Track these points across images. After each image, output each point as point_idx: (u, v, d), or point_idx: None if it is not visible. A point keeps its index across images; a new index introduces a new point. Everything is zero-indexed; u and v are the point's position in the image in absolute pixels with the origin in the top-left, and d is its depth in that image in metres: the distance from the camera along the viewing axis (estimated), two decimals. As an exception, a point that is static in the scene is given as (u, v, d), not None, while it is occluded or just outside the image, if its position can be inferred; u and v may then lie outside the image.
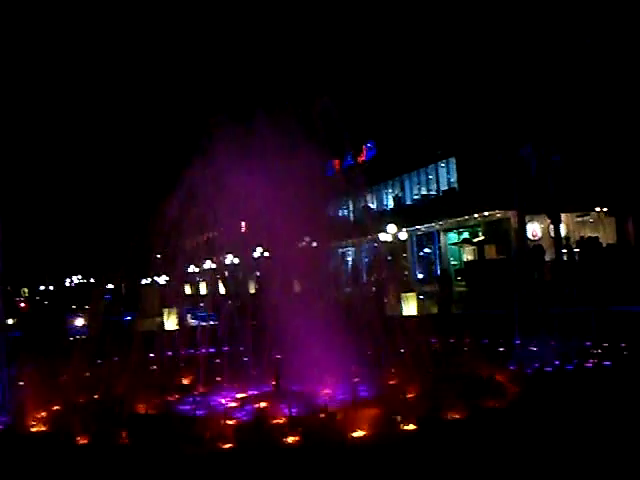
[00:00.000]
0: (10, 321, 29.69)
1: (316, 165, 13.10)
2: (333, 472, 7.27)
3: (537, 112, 37.48)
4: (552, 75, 37.64)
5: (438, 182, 50.30)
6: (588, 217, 42.16)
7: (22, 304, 50.19)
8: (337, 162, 59.46)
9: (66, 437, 9.38)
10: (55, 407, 11.18)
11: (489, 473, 6.99)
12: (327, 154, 13.45)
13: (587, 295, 23.85)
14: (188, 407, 10.37)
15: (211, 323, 16.94)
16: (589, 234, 38.42)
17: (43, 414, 10.72)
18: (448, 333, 15.29)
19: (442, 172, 49.69)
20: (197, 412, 9.89)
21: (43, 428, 10.23)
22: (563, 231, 38.83)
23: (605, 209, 40.68)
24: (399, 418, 9.22)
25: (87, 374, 13.32)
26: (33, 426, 10.28)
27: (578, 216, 42.01)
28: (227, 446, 8.59)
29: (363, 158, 56.06)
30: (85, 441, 9.23)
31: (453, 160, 47.47)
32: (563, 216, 39.00)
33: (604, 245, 35.68)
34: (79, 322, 22.40)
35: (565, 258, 35.84)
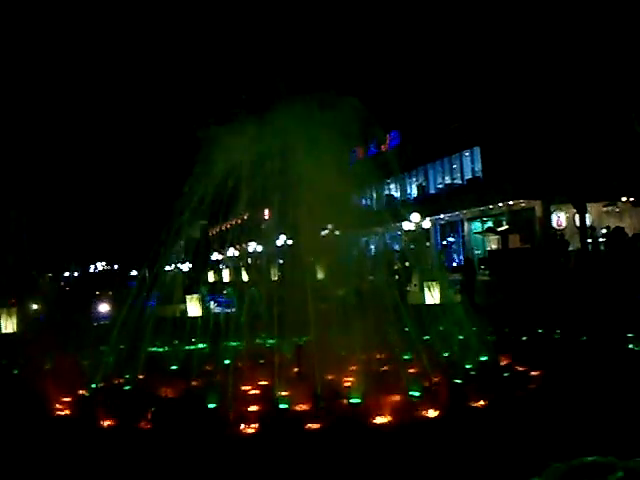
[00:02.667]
0: (35, 306, 30.03)
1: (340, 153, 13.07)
2: (355, 457, 7.26)
3: (563, 101, 37.10)
4: (576, 64, 37.20)
5: (462, 171, 50.02)
6: (614, 207, 41.69)
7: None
8: (361, 151, 59.49)
9: (90, 421, 9.46)
10: (80, 391, 11.28)
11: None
12: (351, 142, 13.38)
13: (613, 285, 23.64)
14: (211, 392, 10.38)
15: (234, 310, 16.98)
16: (615, 224, 38.01)
17: (68, 398, 10.81)
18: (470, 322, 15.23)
19: (466, 161, 49.40)
20: (220, 396, 9.91)
21: (67, 412, 10.30)
22: (588, 221, 38.46)
23: (632, 199, 40.21)
24: (421, 405, 9.21)
25: (110, 359, 13.41)
26: (58, 410, 10.36)
27: (604, 206, 41.55)
28: (250, 431, 8.62)
29: (387, 147, 55.87)
30: (109, 424, 9.30)
31: (478, 149, 47.16)
32: (589, 206, 38.62)
33: (630, 235, 35.30)
34: (103, 308, 22.56)
35: (590, 248, 35.55)
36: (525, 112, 39.36)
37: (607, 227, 37.44)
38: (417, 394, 9.72)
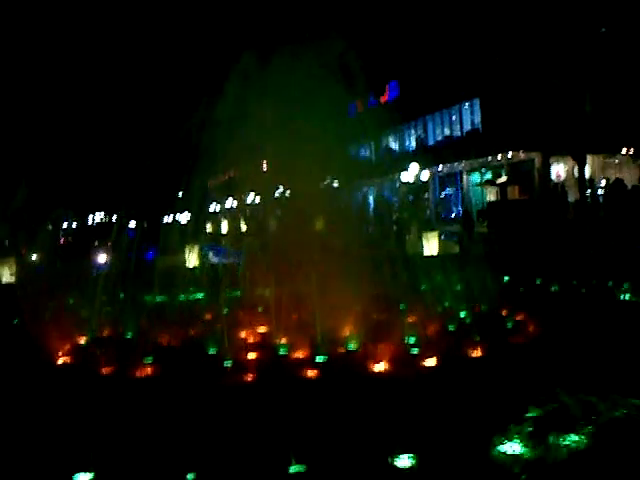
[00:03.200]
0: (34, 257, 30.08)
1: (339, 103, 12.99)
2: (351, 404, 7.34)
3: (564, 52, 36.75)
4: (577, 13, 36.76)
5: (462, 123, 49.75)
6: (614, 159, 41.60)
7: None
8: (359, 102, 59.06)
9: (90, 368, 9.55)
10: (80, 339, 11.38)
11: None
12: (350, 92, 13.27)
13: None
14: (209, 340, 10.47)
15: (232, 260, 17.03)
16: (614, 176, 37.94)
17: (68, 347, 10.90)
18: (468, 272, 15.30)
19: (466, 113, 49.12)
20: (218, 345, 10.00)
21: (68, 360, 10.39)
22: (587, 173, 38.40)
23: (631, 151, 40.09)
24: (418, 353, 9.31)
25: (110, 308, 13.49)
26: (58, 358, 10.45)
27: (604, 158, 41.45)
28: (249, 379, 8.71)
29: (386, 99, 55.46)
30: (109, 372, 9.39)
31: (477, 101, 46.85)
32: (588, 157, 38.52)
33: (629, 187, 35.28)
34: (102, 258, 22.57)
35: (589, 200, 35.56)
36: (525, 64, 39.02)
37: (606, 179, 37.38)
38: (414, 342, 9.82)
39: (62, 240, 53.22)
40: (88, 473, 5.71)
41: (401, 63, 51.34)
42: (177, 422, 6.92)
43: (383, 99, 55.61)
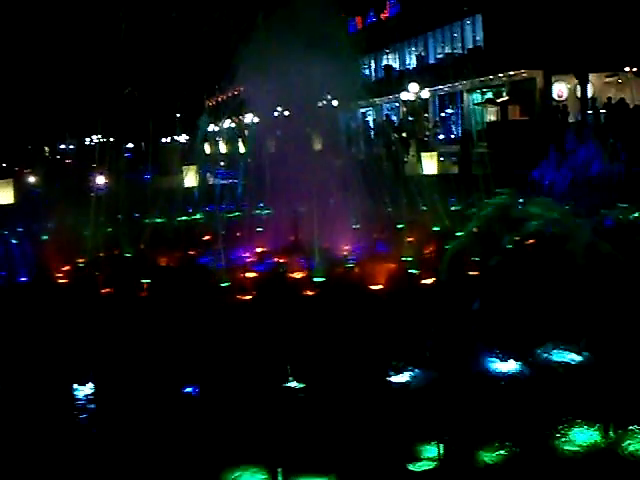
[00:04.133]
0: (32, 179, 30.08)
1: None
2: (349, 319, 7.42)
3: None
4: None
5: (463, 40, 48.83)
6: (616, 77, 41.00)
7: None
8: (359, 19, 57.95)
9: (90, 287, 9.63)
10: (80, 260, 11.44)
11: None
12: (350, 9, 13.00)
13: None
14: (209, 260, 10.54)
15: (230, 181, 17.02)
16: (617, 95, 37.46)
17: (68, 267, 10.97)
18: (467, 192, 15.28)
19: (468, 30, 48.15)
20: (217, 265, 10.06)
21: (67, 280, 10.47)
22: (590, 92, 37.93)
23: (635, 69, 39.47)
24: (415, 271, 9.38)
25: (109, 229, 13.53)
26: (59, 278, 10.52)
27: (607, 76, 40.85)
28: (247, 297, 8.79)
29: (386, 15, 54.36)
30: (107, 291, 9.46)
31: (480, 17, 45.87)
32: (591, 76, 37.99)
33: (631, 106, 34.86)
34: (100, 180, 22.53)
35: (591, 119, 35.18)
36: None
37: (609, 98, 36.91)
38: (411, 260, 9.88)
39: (69, 161, 53.30)
40: (88, 386, 5.83)
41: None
42: (176, 338, 7.00)
43: (383, 16, 54.54)
